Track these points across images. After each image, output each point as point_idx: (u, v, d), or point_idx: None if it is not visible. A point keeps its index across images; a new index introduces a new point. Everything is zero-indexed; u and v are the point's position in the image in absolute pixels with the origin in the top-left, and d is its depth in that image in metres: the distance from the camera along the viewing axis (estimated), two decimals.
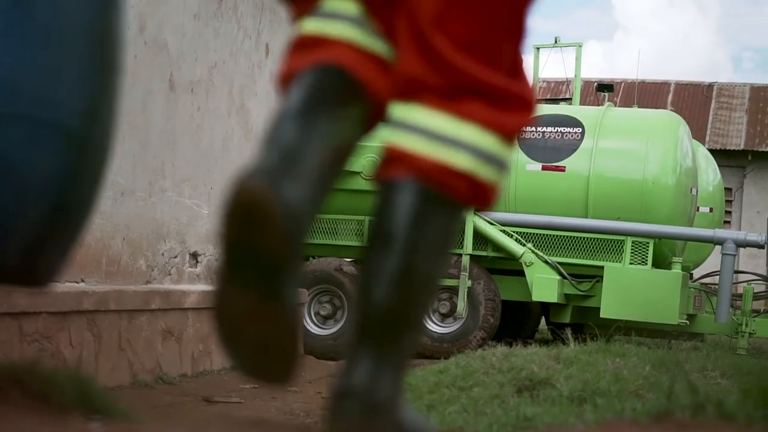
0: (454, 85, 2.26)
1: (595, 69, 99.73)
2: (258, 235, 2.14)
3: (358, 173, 12.73)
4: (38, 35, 2.71)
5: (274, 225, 2.13)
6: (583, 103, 16.32)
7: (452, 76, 2.25)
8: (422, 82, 2.27)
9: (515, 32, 2.34)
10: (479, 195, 2.33)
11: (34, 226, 2.81)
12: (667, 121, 12.83)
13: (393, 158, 2.36)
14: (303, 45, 2.47)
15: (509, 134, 2.33)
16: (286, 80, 2.48)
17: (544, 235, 12.28)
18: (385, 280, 2.27)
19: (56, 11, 2.74)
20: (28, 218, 2.78)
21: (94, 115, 2.88)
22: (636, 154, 12.32)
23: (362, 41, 2.37)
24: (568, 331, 9.46)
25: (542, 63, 15.09)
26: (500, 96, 2.31)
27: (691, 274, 14.14)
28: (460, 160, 2.27)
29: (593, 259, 12.19)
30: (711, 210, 14.97)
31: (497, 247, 12.25)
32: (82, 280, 7.41)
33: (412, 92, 2.29)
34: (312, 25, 2.44)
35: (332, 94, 2.33)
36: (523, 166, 12.42)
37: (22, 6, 2.68)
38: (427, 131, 2.27)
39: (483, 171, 2.30)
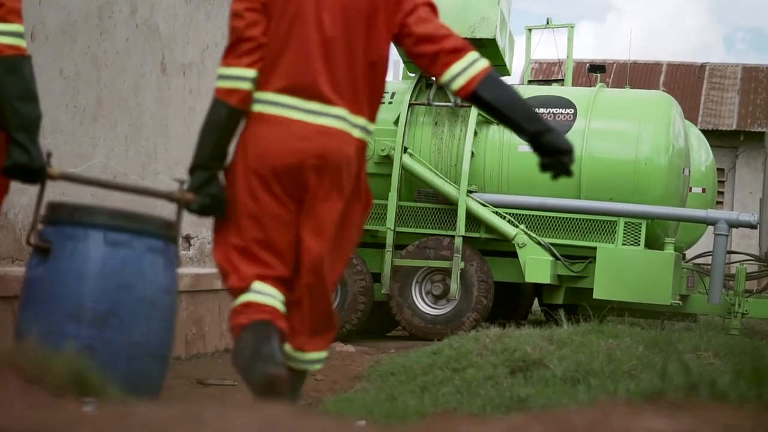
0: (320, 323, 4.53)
1: (588, 50, 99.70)
2: (282, 390, 4.14)
3: None
4: None
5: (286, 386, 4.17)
6: (575, 84, 16.31)
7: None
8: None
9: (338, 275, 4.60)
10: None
11: None
12: (659, 102, 12.82)
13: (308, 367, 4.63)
14: (244, 308, 4.34)
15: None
16: (237, 330, 4.30)
17: (536, 216, 12.27)
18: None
19: None
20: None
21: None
22: (628, 134, 12.31)
23: (278, 306, 4.34)
24: (561, 312, 9.44)
25: (534, 44, 15.07)
26: (332, 329, 4.59)
27: (684, 254, 14.14)
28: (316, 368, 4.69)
29: (586, 240, 12.19)
30: (703, 190, 14.97)
31: (490, 228, 12.25)
32: None
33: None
34: (248, 297, 4.33)
35: (270, 333, 4.22)
36: (516, 147, 12.40)
37: None
38: (301, 360, 4.55)
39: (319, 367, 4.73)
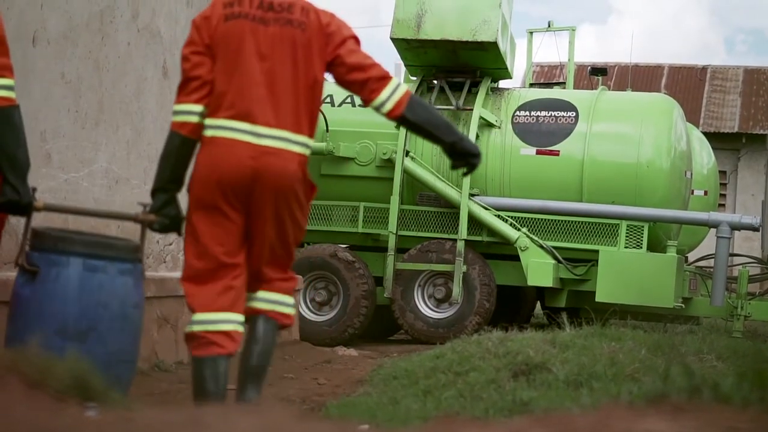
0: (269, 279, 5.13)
1: (589, 52, 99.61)
2: None
3: (352, 159, 12.73)
4: None
5: None
6: (576, 87, 16.30)
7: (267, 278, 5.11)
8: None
9: (291, 257, 5.14)
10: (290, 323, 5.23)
11: None
12: (660, 105, 12.82)
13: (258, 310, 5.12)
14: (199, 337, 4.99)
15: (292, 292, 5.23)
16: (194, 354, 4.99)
17: (539, 219, 12.27)
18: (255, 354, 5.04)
19: None
20: None
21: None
22: (630, 137, 12.31)
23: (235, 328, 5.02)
24: (564, 316, 9.44)
25: (535, 47, 15.12)
26: (288, 279, 5.19)
27: (686, 257, 14.15)
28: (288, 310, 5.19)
29: (588, 243, 12.19)
30: (705, 193, 14.96)
31: (492, 232, 12.25)
32: None
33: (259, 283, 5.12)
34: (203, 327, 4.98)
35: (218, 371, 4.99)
36: (518, 150, 12.41)
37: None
38: (272, 300, 5.14)
39: (292, 312, 5.20)
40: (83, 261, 4.90)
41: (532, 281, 12.06)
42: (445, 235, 12.32)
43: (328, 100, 13.09)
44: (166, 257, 8.63)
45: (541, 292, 13.53)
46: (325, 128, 12.57)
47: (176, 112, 5.09)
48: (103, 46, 7.65)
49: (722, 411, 2.90)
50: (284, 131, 4.95)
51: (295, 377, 8.77)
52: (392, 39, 12.56)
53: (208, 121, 4.98)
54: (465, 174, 5.46)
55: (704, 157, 15.19)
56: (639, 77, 32.50)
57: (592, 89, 13.72)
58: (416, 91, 12.77)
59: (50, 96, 7.08)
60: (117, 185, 7.88)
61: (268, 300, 5.13)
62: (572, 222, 12.22)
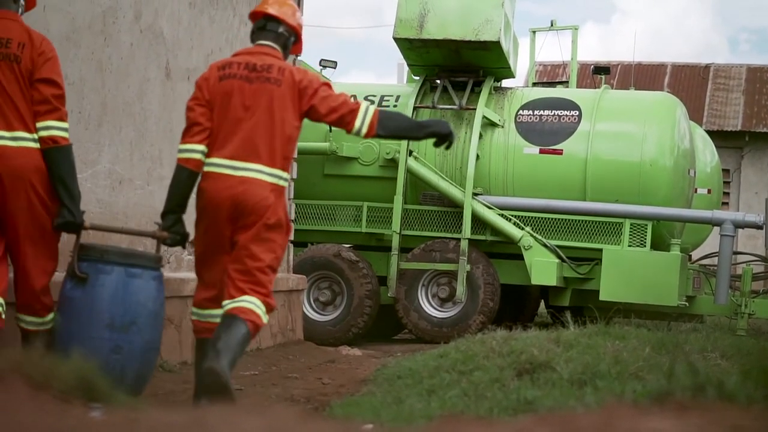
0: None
1: (592, 51, 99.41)
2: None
3: (355, 159, 12.73)
4: None
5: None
6: (579, 86, 16.29)
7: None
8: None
9: (265, 270, 6.11)
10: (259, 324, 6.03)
11: None
12: (664, 103, 12.82)
13: (235, 310, 5.95)
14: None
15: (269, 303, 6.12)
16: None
17: (542, 218, 12.28)
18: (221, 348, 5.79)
19: None
20: None
21: None
22: (633, 136, 12.31)
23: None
24: (568, 314, 9.44)
25: (538, 46, 15.06)
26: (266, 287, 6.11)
27: (690, 255, 14.13)
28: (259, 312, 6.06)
29: (592, 241, 12.19)
30: (709, 191, 14.95)
31: (496, 231, 12.25)
32: None
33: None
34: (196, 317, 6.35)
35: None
36: (521, 149, 12.42)
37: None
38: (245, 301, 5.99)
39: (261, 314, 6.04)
40: (124, 269, 6.08)
41: (535, 280, 12.06)
42: (449, 235, 12.33)
43: None
44: (169, 258, 8.63)
45: (545, 291, 13.54)
46: (328, 128, 12.58)
47: (182, 150, 6.28)
48: (106, 47, 7.65)
49: (727, 409, 2.90)
50: (259, 164, 6.18)
51: (299, 377, 8.77)
52: (395, 39, 12.57)
53: (207, 160, 6.24)
54: (447, 148, 6.56)
55: (707, 155, 15.18)
56: (642, 76, 32.48)
57: (595, 88, 13.72)
58: (419, 90, 12.78)
59: None
60: (120, 186, 7.89)
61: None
62: (576, 221, 12.22)
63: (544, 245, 12.07)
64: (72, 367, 3.32)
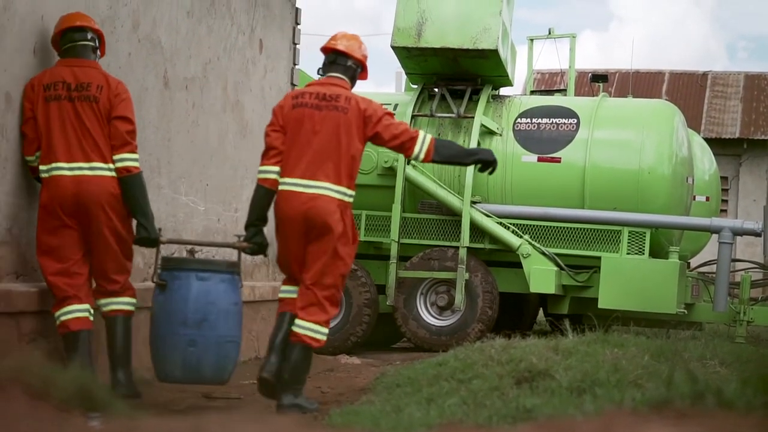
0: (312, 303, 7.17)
1: (591, 59, 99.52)
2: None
3: None
4: None
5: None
6: (577, 94, 16.29)
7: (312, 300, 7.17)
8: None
9: (337, 287, 7.20)
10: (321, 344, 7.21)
11: None
12: (662, 111, 12.83)
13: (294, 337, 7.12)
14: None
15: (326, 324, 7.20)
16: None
17: (541, 226, 12.28)
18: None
19: None
20: None
21: None
22: (631, 144, 12.31)
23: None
24: (567, 322, 9.46)
25: (536, 54, 15.06)
26: (327, 310, 7.20)
27: (689, 263, 14.13)
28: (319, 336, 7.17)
29: (590, 249, 12.19)
30: (707, 199, 14.95)
31: (494, 239, 12.25)
32: None
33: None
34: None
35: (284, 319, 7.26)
36: (519, 157, 12.42)
37: None
38: (305, 327, 7.13)
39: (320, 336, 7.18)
40: (195, 275, 7.03)
41: (534, 288, 12.06)
42: (447, 243, 12.33)
43: None
44: None
45: (543, 299, 13.53)
46: None
47: (261, 171, 7.29)
48: (104, 56, 7.65)
49: (726, 416, 2.90)
50: (326, 183, 7.14)
51: None
52: (393, 47, 12.58)
53: (281, 180, 7.19)
54: (491, 173, 7.73)
55: (706, 162, 15.19)
56: (640, 84, 32.49)
57: (593, 96, 13.72)
58: (417, 99, 12.80)
59: None
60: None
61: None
62: (574, 229, 12.22)
63: (543, 253, 12.06)
64: (71, 377, 3.32)
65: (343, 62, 7.47)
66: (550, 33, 14.89)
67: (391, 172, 12.51)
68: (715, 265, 12.41)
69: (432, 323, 12.22)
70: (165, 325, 7.01)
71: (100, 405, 3.33)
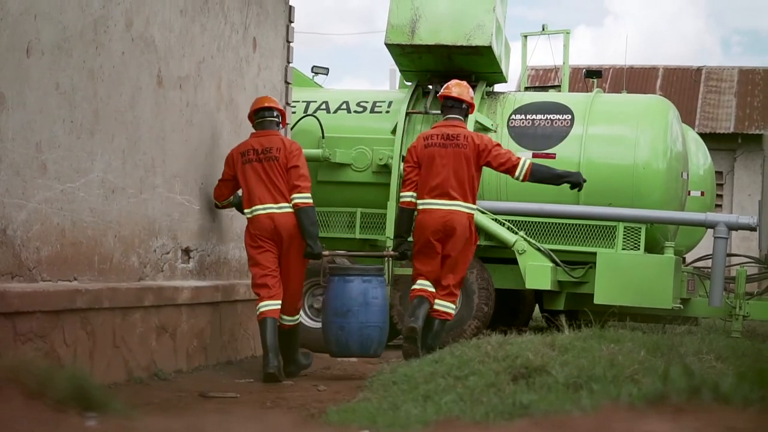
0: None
1: (585, 55, 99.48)
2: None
3: (348, 165, 12.74)
4: None
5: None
6: (572, 90, 16.30)
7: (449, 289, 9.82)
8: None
9: (463, 277, 9.98)
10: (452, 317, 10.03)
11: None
12: (656, 106, 12.83)
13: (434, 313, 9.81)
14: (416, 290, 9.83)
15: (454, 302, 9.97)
16: (412, 296, 9.88)
17: (536, 222, 12.27)
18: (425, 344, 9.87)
19: None
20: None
21: None
22: (626, 139, 12.31)
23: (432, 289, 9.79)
24: (563, 318, 9.42)
25: (530, 50, 15.08)
26: (456, 294, 9.93)
27: (684, 258, 14.13)
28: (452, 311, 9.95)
29: (586, 245, 12.19)
30: (702, 194, 14.95)
31: (489, 235, 12.24)
32: (75, 279, 7.40)
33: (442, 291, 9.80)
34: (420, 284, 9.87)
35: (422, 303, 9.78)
36: (514, 154, 12.40)
37: None
38: (444, 305, 9.82)
39: (452, 311, 9.95)
40: (343, 278, 9.51)
41: (530, 284, 12.06)
42: None
43: (323, 106, 13.11)
44: (163, 266, 8.62)
45: (539, 295, 13.53)
46: (320, 135, 12.59)
47: (402, 196, 9.85)
48: (98, 55, 7.64)
49: (722, 411, 2.90)
50: (459, 201, 9.60)
51: (295, 383, 8.77)
52: (387, 45, 12.58)
53: (419, 201, 9.67)
54: (579, 190, 10.39)
55: (700, 157, 15.19)
56: (634, 79, 32.52)
57: (588, 92, 13.72)
58: (411, 96, 12.80)
59: (45, 106, 7.07)
60: (113, 195, 7.88)
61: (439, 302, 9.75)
62: (569, 224, 12.22)
63: (538, 249, 12.06)
64: (67, 376, 3.31)
65: (458, 105, 9.84)
66: (544, 29, 14.90)
67: (385, 169, 12.51)
68: (710, 260, 12.42)
69: None
70: (324, 315, 9.68)
71: (96, 405, 3.32)
